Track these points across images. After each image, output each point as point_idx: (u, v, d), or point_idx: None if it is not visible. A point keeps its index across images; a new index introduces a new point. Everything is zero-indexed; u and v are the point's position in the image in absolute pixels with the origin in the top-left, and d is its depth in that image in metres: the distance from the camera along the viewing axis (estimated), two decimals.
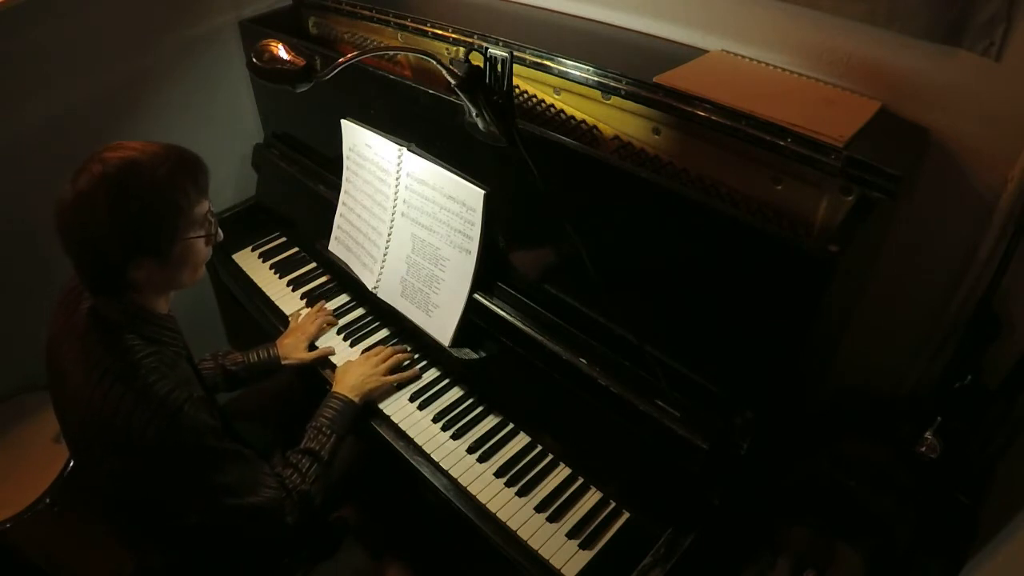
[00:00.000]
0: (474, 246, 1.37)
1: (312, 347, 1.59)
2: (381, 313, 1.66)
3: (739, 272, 1.06)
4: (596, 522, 1.22)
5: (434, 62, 1.11)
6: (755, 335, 1.08)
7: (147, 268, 1.06)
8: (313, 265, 1.87)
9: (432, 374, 1.52)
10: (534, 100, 1.44)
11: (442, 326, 1.45)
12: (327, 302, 1.72)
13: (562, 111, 1.40)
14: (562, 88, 1.38)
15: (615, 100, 1.29)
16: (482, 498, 1.26)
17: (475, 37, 1.46)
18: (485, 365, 1.43)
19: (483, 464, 1.33)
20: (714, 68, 1.36)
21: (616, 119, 1.32)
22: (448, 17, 1.56)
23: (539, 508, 1.24)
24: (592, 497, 1.27)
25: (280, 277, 1.83)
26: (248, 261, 1.90)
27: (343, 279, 1.76)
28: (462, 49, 1.48)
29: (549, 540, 1.19)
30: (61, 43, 1.62)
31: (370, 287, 1.60)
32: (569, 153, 1.20)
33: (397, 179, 1.52)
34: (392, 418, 1.42)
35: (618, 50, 1.49)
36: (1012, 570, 1.00)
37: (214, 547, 1.23)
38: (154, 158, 1.04)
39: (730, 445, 1.11)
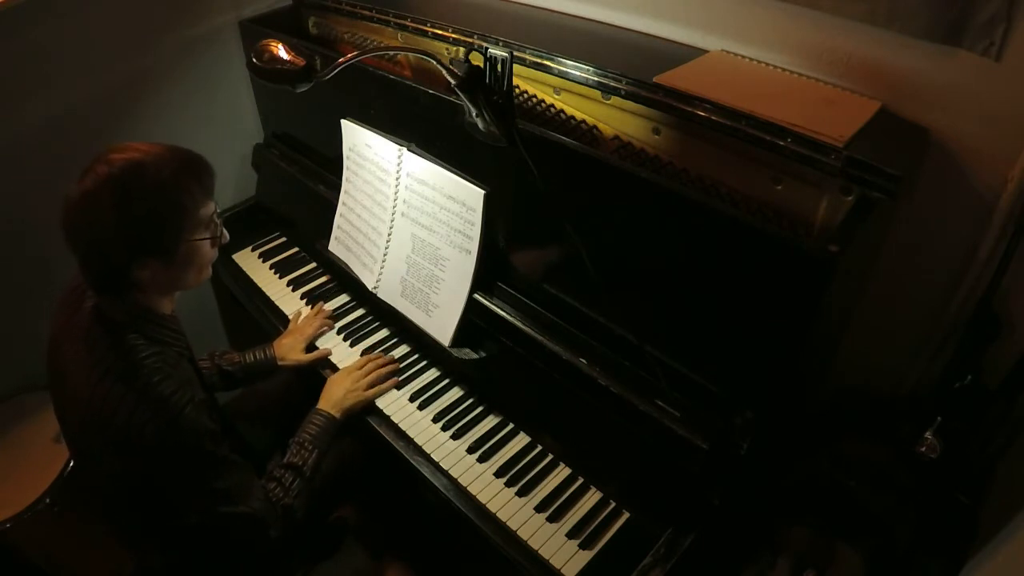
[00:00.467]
0: (474, 246, 1.37)
1: (311, 348, 1.59)
2: (381, 313, 1.66)
3: (739, 272, 1.06)
4: (596, 522, 1.22)
5: (434, 62, 1.11)
6: (755, 335, 1.08)
7: (152, 268, 1.06)
8: (313, 265, 1.87)
9: (432, 374, 1.52)
10: (534, 100, 1.44)
11: (442, 326, 1.45)
12: (327, 302, 1.72)
13: (562, 111, 1.40)
14: (562, 88, 1.38)
15: (615, 100, 1.29)
16: (482, 498, 1.26)
17: (475, 37, 1.46)
18: (485, 365, 1.43)
19: (483, 464, 1.33)
20: (714, 68, 1.36)
21: (616, 119, 1.32)
22: (448, 17, 1.56)
23: (539, 508, 1.24)
24: (592, 497, 1.27)
25: (280, 277, 1.83)
26: (248, 261, 1.90)
27: (343, 279, 1.76)
28: (462, 49, 1.48)
29: (549, 540, 1.19)
30: (61, 43, 1.62)
31: (370, 287, 1.60)
32: (569, 153, 1.20)
33: (397, 179, 1.52)
34: (392, 418, 1.42)
35: (618, 50, 1.49)
36: (1012, 570, 1.00)
37: (214, 547, 1.23)
38: (159, 159, 1.05)
39: (730, 445, 1.11)
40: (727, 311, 1.10)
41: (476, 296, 1.40)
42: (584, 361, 1.26)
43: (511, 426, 1.40)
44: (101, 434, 1.05)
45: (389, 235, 1.55)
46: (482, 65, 1.14)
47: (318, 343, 1.61)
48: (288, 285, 1.80)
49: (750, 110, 1.13)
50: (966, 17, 1.10)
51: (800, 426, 1.43)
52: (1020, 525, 1.05)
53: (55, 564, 1.63)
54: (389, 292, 1.56)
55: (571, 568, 1.15)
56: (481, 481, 1.30)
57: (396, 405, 1.44)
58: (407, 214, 1.51)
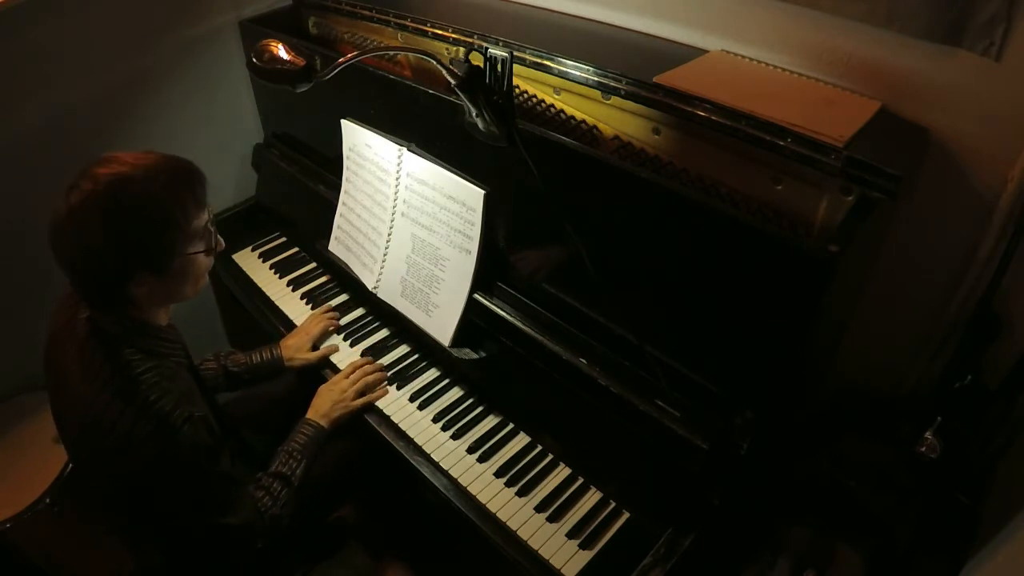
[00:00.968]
0: (474, 246, 1.37)
1: (314, 348, 1.59)
2: (381, 313, 1.66)
3: (739, 272, 1.06)
4: (596, 522, 1.22)
5: (434, 62, 1.11)
6: (755, 335, 1.08)
7: (147, 284, 1.04)
8: (313, 265, 1.87)
9: (432, 374, 1.52)
10: (534, 100, 1.44)
11: (442, 326, 1.45)
12: (327, 303, 1.72)
13: (562, 111, 1.40)
14: (562, 88, 1.38)
15: (615, 100, 1.29)
16: (482, 498, 1.26)
17: (475, 37, 1.46)
18: (485, 365, 1.43)
19: (483, 464, 1.33)
20: (714, 68, 1.36)
21: (616, 119, 1.32)
22: (448, 17, 1.56)
23: (539, 508, 1.24)
24: (592, 497, 1.27)
25: (280, 277, 1.83)
26: (248, 261, 1.90)
27: (343, 279, 1.76)
28: (462, 49, 1.48)
29: (549, 540, 1.19)
30: (61, 43, 1.62)
31: (370, 287, 1.60)
32: (569, 153, 1.20)
33: (397, 179, 1.52)
34: (392, 418, 1.42)
35: (618, 50, 1.49)
36: (1012, 570, 1.00)
37: (214, 547, 1.23)
38: (148, 172, 1.02)
39: (730, 445, 1.11)
40: (727, 311, 1.10)
41: (476, 296, 1.40)
42: (584, 361, 1.26)
43: (511, 426, 1.40)
44: (99, 442, 1.05)
45: (389, 235, 1.55)
46: (482, 65, 1.14)
47: (321, 344, 1.60)
48: (288, 285, 1.80)
49: (750, 110, 1.13)
50: (966, 17, 1.10)
51: (800, 426, 1.43)
52: (1020, 525, 1.05)
53: (55, 564, 1.63)
54: (389, 292, 1.56)
55: (571, 568, 1.15)
56: (481, 481, 1.30)
57: (396, 405, 1.44)
58: (407, 214, 1.51)
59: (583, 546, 1.18)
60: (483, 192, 1.32)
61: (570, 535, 1.20)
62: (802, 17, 1.28)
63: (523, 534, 1.20)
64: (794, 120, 1.10)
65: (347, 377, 1.46)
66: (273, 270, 1.86)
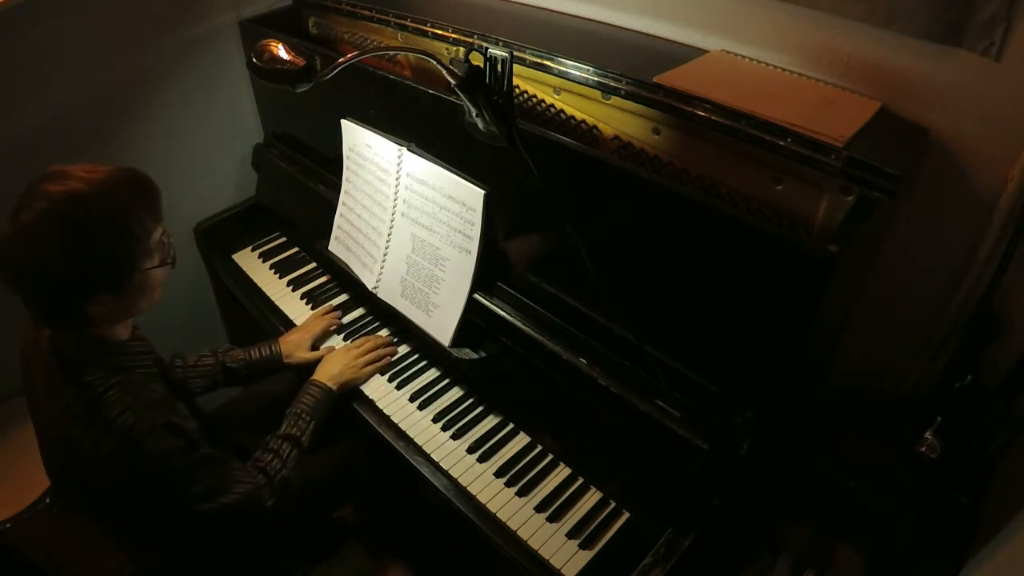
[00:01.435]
0: (474, 246, 1.37)
1: (314, 348, 1.59)
2: (381, 313, 1.66)
3: (739, 272, 1.06)
4: (596, 522, 1.22)
5: (434, 62, 1.11)
6: (755, 335, 1.08)
7: (105, 304, 1.01)
8: (313, 265, 1.87)
9: (432, 374, 1.52)
10: (534, 100, 1.44)
11: (442, 326, 1.45)
12: (327, 302, 1.72)
13: (562, 111, 1.40)
14: (562, 88, 1.38)
15: (615, 100, 1.29)
16: (482, 498, 1.26)
17: (475, 37, 1.46)
18: (485, 365, 1.43)
19: (483, 464, 1.33)
20: (714, 68, 1.36)
21: (616, 119, 1.32)
22: (448, 17, 1.56)
23: (539, 508, 1.24)
24: (592, 497, 1.27)
25: (280, 277, 1.83)
26: (248, 261, 1.90)
27: (343, 279, 1.76)
28: (462, 49, 1.48)
29: (549, 540, 1.19)
30: (61, 43, 1.62)
31: (370, 287, 1.60)
32: (569, 153, 1.20)
33: (397, 179, 1.52)
34: (392, 418, 1.42)
35: (618, 50, 1.49)
36: (1012, 570, 1.00)
37: (213, 547, 1.23)
38: (103, 189, 0.99)
39: (730, 445, 1.11)
40: (727, 311, 1.10)
41: (476, 296, 1.40)
42: (584, 361, 1.26)
43: (511, 426, 1.40)
44: (68, 457, 1.06)
45: (389, 235, 1.55)
46: (482, 65, 1.14)
47: (321, 344, 1.60)
48: (288, 285, 1.80)
49: (750, 110, 1.13)
50: (966, 17, 1.10)
51: (800, 426, 1.43)
52: (1020, 525, 1.05)
53: (55, 564, 1.63)
54: (389, 292, 1.56)
55: (571, 568, 1.15)
56: (481, 481, 1.30)
57: (396, 405, 1.44)
58: (407, 214, 1.51)
59: (583, 546, 1.18)
60: (483, 192, 1.32)
61: (570, 535, 1.20)
62: (802, 17, 1.28)
63: (523, 534, 1.20)
64: (794, 120, 1.10)
65: (359, 347, 1.50)
66: (273, 270, 1.86)
